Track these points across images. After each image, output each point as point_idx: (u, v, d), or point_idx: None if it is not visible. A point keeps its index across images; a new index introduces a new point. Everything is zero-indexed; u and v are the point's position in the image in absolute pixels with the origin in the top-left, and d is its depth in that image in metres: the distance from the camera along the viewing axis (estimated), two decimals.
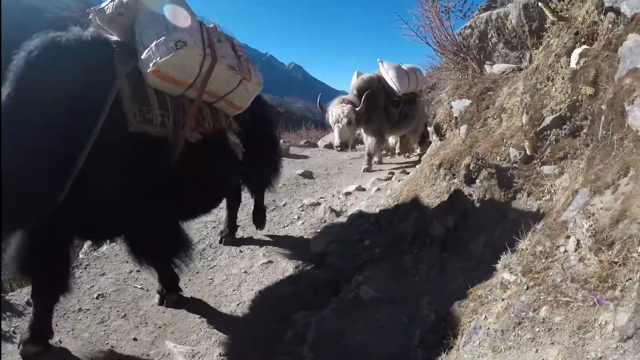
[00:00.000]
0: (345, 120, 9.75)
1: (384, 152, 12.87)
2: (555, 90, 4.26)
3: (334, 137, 10.28)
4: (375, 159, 11.77)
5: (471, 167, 4.72)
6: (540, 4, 5.32)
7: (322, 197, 8.82)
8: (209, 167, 4.74)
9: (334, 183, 10.02)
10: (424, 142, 12.37)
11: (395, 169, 10.78)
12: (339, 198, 8.62)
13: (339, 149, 10.12)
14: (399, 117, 11.17)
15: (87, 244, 7.09)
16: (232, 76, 4.47)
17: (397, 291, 4.44)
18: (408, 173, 9.09)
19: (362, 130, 11.33)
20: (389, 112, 11.01)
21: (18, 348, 4.10)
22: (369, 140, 11.25)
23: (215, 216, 7.61)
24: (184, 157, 4.35)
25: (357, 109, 9.81)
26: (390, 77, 10.88)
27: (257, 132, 5.79)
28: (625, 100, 3.19)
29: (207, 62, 4.19)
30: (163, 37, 3.94)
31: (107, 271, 5.94)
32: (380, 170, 10.87)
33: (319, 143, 16.49)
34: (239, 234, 7.04)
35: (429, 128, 12.70)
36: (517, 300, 2.95)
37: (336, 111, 9.87)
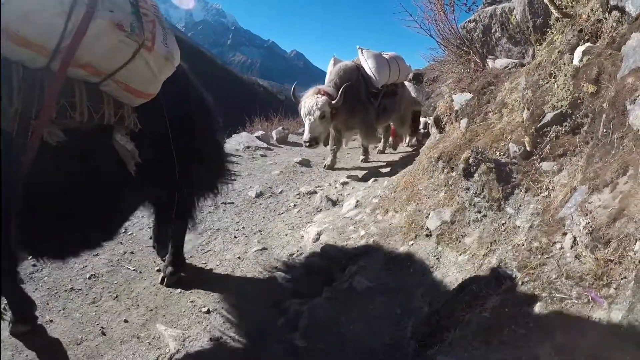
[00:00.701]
0: (318, 114, 8.79)
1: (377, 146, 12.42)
2: (557, 87, 4.26)
3: (304, 131, 9.11)
4: (364, 156, 11.15)
5: (470, 161, 4.71)
6: (545, 0, 5.30)
7: (319, 186, 8.82)
8: (81, 184, 3.12)
9: (331, 172, 9.98)
10: (414, 132, 12.30)
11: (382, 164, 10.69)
12: (335, 187, 8.63)
13: (307, 144, 8.88)
14: (377, 111, 10.47)
15: None
16: (122, 41, 2.97)
17: (391, 282, 4.45)
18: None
19: (336, 126, 10.05)
20: (367, 105, 10.20)
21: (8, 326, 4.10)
22: (344, 137, 10.53)
23: (210, 201, 7.61)
24: (40, 167, 2.82)
25: (333, 102, 8.89)
26: (369, 67, 10.24)
27: (185, 138, 4.10)
28: (626, 99, 3.19)
29: (77, 13, 2.76)
30: None
31: (100, 252, 5.92)
32: (378, 161, 10.84)
33: None
34: (235, 219, 7.03)
35: (428, 120, 12.62)
36: (512, 295, 2.96)
37: (309, 102, 8.91)
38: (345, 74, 9.83)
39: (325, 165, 10.64)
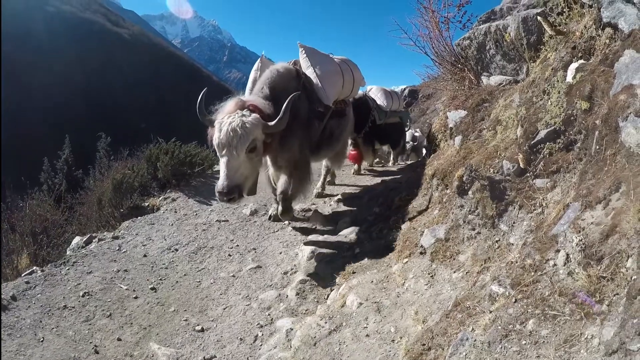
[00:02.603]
0: (246, 143, 5.46)
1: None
2: (551, 103, 4.26)
3: (220, 175, 5.50)
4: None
5: (464, 179, 4.70)
6: (539, 17, 5.33)
7: (314, 204, 8.82)
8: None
9: (326, 189, 9.96)
10: (403, 150, 13.03)
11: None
12: (330, 205, 8.61)
13: (225, 198, 5.34)
14: (322, 137, 7.72)
15: (75, 241, 7.07)
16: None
17: (385, 300, 4.42)
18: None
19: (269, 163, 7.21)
20: (311, 128, 7.32)
21: None
22: (281, 180, 7.26)
23: (205, 218, 7.59)
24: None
25: (271, 123, 5.69)
26: (315, 75, 7.55)
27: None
28: (619, 116, 3.19)
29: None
30: None
31: (94, 269, 5.93)
32: (373, 179, 10.83)
33: None
34: (229, 237, 7.02)
35: (415, 132, 12.73)
36: (505, 312, 2.94)
37: (230, 124, 5.44)
38: (281, 79, 6.82)
39: (270, 217, 8.10)
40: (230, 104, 5.84)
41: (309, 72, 7.67)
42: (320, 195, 9.62)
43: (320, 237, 6.71)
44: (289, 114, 5.96)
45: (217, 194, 5.44)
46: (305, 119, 7.16)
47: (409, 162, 14.77)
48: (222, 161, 5.51)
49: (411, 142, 17.43)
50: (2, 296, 5.12)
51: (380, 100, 12.38)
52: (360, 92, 11.49)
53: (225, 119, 5.54)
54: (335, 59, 8.47)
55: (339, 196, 8.99)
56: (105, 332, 4.77)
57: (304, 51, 7.90)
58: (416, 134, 17.49)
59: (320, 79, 7.59)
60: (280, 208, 7.29)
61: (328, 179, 10.32)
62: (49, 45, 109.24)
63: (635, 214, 2.54)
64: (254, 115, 5.67)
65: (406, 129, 16.23)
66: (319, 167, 9.88)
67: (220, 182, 5.38)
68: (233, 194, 5.41)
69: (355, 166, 12.35)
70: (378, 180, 10.51)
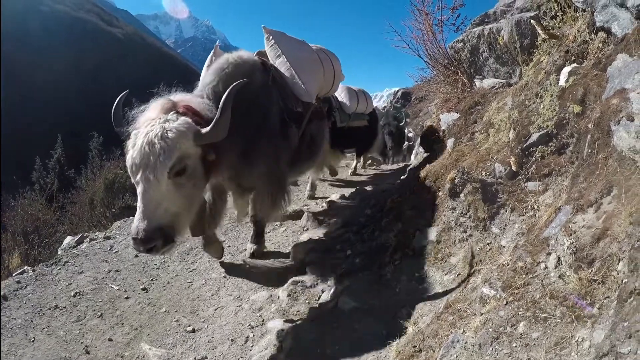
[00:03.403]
0: (167, 162, 3.75)
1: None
2: (543, 107, 4.27)
3: (137, 212, 3.77)
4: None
5: (456, 181, 4.71)
6: (532, 21, 5.34)
7: (306, 205, 8.82)
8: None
9: (318, 190, 9.95)
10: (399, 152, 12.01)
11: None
12: (322, 206, 8.60)
13: (142, 250, 3.70)
14: (301, 145, 6.33)
15: (66, 241, 7.06)
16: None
17: (377, 302, 4.43)
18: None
19: (217, 186, 5.54)
20: (287, 134, 5.87)
21: None
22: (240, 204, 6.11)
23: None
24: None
25: (204, 130, 4.01)
26: (289, 65, 6.33)
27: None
28: (611, 120, 3.20)
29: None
30: None
31: (85, 269, 5.91)
32: (366, 181, 10.83)
33: None
34: (221, 238, 7.02)
35: (409, 132, 12.52)
36: (496, 315, 2.95)
37: (146, 135, 3.82)
38: (237, 73, 5.02)
39: (253, 254, 6.45)
40: (153, 107, 4.14)
41: (280, 62, 6.33)
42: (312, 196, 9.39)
43: (311, 239, 6.70)
44: (251, 120, 5.02)
45: (131, 241, 3.81)
46: (278, 122, 5.66)
47: (403, 164, 14.70)
48: (138, 191, 3.77)
49: (406, 142, 17.02)
50: None
51: (343, 100, 10.87)
52: None
53: (142, 128, 3.89)
54: (312, 47, 7.18)
55: (331, 198, 8.96)
56: (96, 332, 4.75)
57: (270, 37, 6.43)
58: (410, 134, 17.39)
59: (296, 69, 6.34)
60: (253, 241, 6.41)
61: (307, 193, 9.65)
62: (43, 44, 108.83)
63: (627, 217, 2.55)
64: (182, 119, 3.95)
65: (404, 130, 16.12)
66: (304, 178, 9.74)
67: (135, 224, 3.67)
68: (153, 241, 3.68)
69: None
70: (370, 182, 10.53)
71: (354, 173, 12.74)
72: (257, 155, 5.29)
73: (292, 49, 6.54)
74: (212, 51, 6.46)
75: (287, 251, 6.51)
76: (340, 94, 10.93)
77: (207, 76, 5.14)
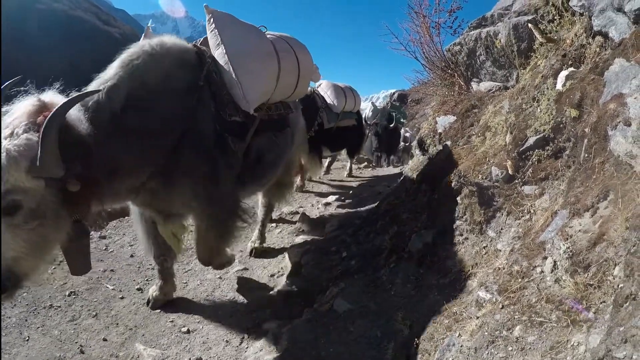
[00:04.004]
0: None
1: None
2: (540, 111, 4.28)
3: None
4: None
5: (452, 184, 4.71)
6: (530, 25, 5.35)
7: (301, 207, 8.80)
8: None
9: (313, 192, 9.93)
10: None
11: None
12: (318, 208, 8.62)
13: None
14: (245, 164, 5.00)
15: None
16: None
17: (372, 304, 4.42)
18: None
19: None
20: (224, 150, 4.62)
21: None
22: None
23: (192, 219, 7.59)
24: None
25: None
26: (226, 60, 4.77)
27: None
28: (608, 125, 3.20)
29: None
30: None
31: None
32: (363, 183, 10.82)
33: None
34: None
35: (405, 133, 12.23)
36: (492, 318, 2.95)
37: None
38: (152, 64, 3.98)
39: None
40: (16, 110, 3.11)
41: (219, 53, 4.81)
42: (257, 251, 6.83)
43: (307, 240, 6.69)
44: (178, 126, 4.12)
45: None
46: (211, 135, 4.50)
47: (401, 166, 14.62)
48: None
49: (403, 143, 16.89)
50: None
51: (330, 98, 10.30)
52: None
53: None
54: (268, 36, 5.54)
55: (327, 199, 8.95)
56: (90, 332, 4.73)
57: (212, 19, 4.96)
58: (407, 135, 17.16)
59: (235, 65, 4.74)
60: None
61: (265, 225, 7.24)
62: (40, 42, 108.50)
63: (623, 222, 2.55)
64: (24, 137, 2.90)
65: (401, 130, 15.91)
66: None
67: None
68: None
69: (299, 180, 10.21)
70: (366, 184, 10.52)
71: (350, 175, 12.62)
72: (181, 173, 4.19)
73: (235, 37, 4.89)
74: (143, 35, 5.01)
75: (283, 253, 6.51)
76: (326, 92, 10.44)
77: (110, 68, 3.85)
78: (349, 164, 12.88)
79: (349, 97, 10.69)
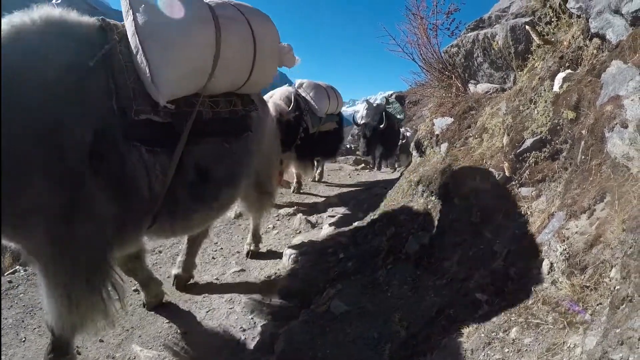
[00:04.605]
0: None
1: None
2: (537, 113, 4.28)
3: None
4: None
5: (449, 186, 4.72)
6: (527, 27, 5.35)
7: (299, 208, 8.77)
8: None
9: (311, 194, 9.92)
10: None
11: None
12: (315, 209, 8.59)
13: None
14: (178, 188, 3.76)
15: None
16: None
17: (369, 306, 4.41)
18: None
19: None
20: (122, 165, 3.32)
21: None
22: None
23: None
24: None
25: None
26: (133, 31, 3.44)
27: None
28: (605, 127, 3.21)
29: None
30: None
31: None
32: (360, 184, 10.81)
33: None
34: (213, 240, 6.99)
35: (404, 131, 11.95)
36: (488, 320, 2.95)
37: None
38: (18, 43, 2.91)
39: None
40: None
41: (128, 25, 3.52)
42: (253, 253, 6.63)
43: (304, 242, 6.69)
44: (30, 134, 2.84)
45: None
46: (83, 144, 3.07)
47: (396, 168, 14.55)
48: None
49: (400, 141, 16.17)
50: None
51: (314, 101, 9.41)
52: (287, 88, 9.05)
53: None
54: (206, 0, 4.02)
55: (325, 201, 8.94)
56: (87, 333, 4.74)
57: None
58: (407, 134, 16.78)
59: (144, 36, 3.42)
60: None
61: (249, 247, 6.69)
62: None
63: (620, 224, 2.56)
64: None
65: (401, 129, 15.47)
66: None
67: None
68: None
69: (295, 182, 9.98)
70: (363, 186, 10.52)
71: (320, 180, 11.53)
72: (19, 204, 2.88)
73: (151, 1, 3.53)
74: None
75: (280, 254, 6.50)
76: (309, 93, 9.47)
77: None
78: (320, 168, 11.60)
79: (332, 99, 9.97)
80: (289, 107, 8.07)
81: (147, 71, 3.37)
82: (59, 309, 3.22)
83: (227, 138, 4.24)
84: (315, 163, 11.00)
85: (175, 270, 5.66)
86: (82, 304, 3.28)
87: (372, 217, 6.47)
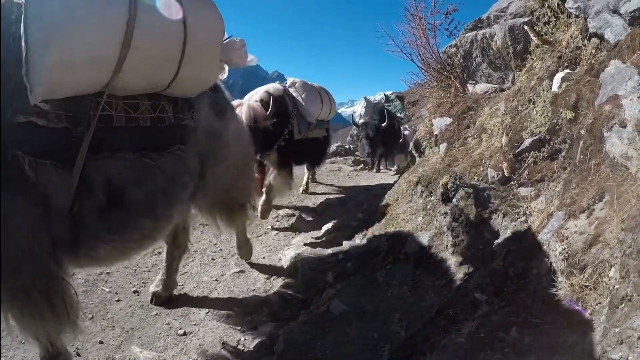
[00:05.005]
0: None
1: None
2: (536, 112, 4.28)
3: None
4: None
5: (448, 186, 4.71)
6: (525, 27, 5.35)
7: (297, 209, 8.75)
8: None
9: (310, 194, 9.91)
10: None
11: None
12: (314, 210, 8.57)
13: None
14: (83, 211, 2.94)
15: None
16: None
17: (368, 306, 4.41)
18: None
19: None
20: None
21: None
22: None
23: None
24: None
25: None
26: (22, 9, 2.46)
27: None
28: (604, 127, 3.21)
29: None
30: None
31: (77, 272, 5.86)
32: (359, 185, 10.80)
33: None
34: (213, 240, 6.98)
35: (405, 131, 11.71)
36: (488, 320, 2.95)
37: None
38: None
39: None
40: None
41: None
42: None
43: (303, 242, 6.68)
44: None
45: None
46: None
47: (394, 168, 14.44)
48: None
49: (400, 139, 15.26)
50: None
51: (305, 103, 8.16)
52: (276, 86, 7.89)
53: None
54: None
55: (324, 201, 8.93)
56: (87, 334, 4.69)
57: None
58: (406, 132, 16.46)
59: (31, 15, 2.48)
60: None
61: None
62: None
63: (619, 223, 2.56)
64: None
65: (402, 129, 14.95)
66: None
67: None
68: None
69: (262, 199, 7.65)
70: (363, 186, 10.50)
71: (306, 191, 10.15)
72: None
73: None
74: None
75: (279, 255, 6.49)
76: (301, 95, 8.17)
77: None
78: (305, 177, 10.33)
79: (325, 104, 8.69)
80: (267, 111, 6.86)
81: (24, 58, 2.49)
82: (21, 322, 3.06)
83: (148, 152, 3.34)
84: (306, 171, 10.11)
85: (153, 288, 5.25)
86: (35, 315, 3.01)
87: (371, 217, 6.47)
